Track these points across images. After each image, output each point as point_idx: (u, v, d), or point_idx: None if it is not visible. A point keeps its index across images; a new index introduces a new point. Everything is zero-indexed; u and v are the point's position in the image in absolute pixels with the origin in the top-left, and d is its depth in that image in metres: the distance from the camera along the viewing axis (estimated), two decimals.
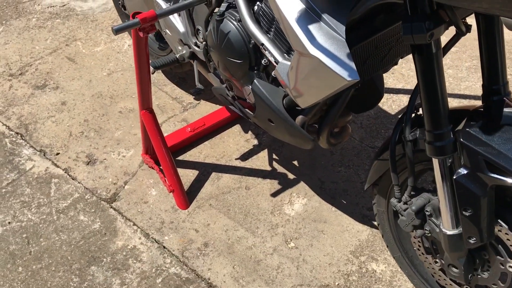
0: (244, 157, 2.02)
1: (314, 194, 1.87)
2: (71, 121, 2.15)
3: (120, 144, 2.06)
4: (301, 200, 1.86)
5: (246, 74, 1.47)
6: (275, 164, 1.99)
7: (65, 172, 1.96)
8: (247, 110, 1.61)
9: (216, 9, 1.50)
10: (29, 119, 2.16)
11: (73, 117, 2.17)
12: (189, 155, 2.04)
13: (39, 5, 2.79)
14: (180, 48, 1.78)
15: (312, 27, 1.10)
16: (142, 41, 1.53)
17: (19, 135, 2.10)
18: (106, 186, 1.91)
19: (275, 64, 1.32)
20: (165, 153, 1.80)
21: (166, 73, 2.38)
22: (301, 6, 1.12)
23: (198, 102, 2.25)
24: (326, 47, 1.09)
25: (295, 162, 1.99)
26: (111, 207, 1.84)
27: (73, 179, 1.93)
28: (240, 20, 1.41)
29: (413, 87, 2.30)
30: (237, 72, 1.49)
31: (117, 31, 1.36)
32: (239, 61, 1.45)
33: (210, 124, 2.08)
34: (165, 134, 1.91)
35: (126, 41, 2.55)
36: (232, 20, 1.44)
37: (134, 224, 1.79)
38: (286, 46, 1.31)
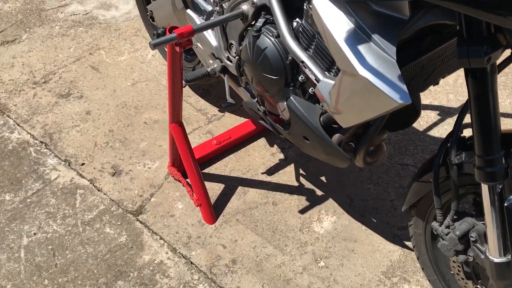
0: (270, 171, 2.00)
1: (343, 211, 1.84)
2: (96, 131, 2.14)
3: (145, 156, 2.04)
4: (330, 217, 1.83)
5: (282, 90, 1.45)
6: (302, 179, 1.97)
7: (91, 183, 1.94)
8: (278, 125, 1.58)
9: (253, 23, 1.49)
10: (54, 128, 2.15)
11: (97, 127, 2.15)
12: (215, 168, 2.01)
13: (62, 13, 2.78)
14: (211, 61, 1.76)
15: (362, 47, 1.08)
16: (177, 56, 1.51)
17: (44, 144, 2.08)
18: (132, 198, 1.89)
19: (315, 81, 1.29)
20: (194, 167, 1.78)
21: (191, 85, 2.36)
22: (350, 25, 1.10)
23: (223, 114, 2.23)
24: (376, 68, 1.06)
25: (323, 178, 1.96)
26: (138, 220, 1.82)
27: (98, 190, 1.91)
28: (278, 36, 1.39)
29: (440, 103, 2.27)
30: (272, 88, 1.47)
31: (155, 45, 1.34)
32: (275, 77, 1.43)
33: (236, 137, 2.06)
34: None
35: (150, 51, 2.54)
36: (269, 36, 1.42)
37: (161, 238, 1.76)
38: (326, 63, 1.29)
